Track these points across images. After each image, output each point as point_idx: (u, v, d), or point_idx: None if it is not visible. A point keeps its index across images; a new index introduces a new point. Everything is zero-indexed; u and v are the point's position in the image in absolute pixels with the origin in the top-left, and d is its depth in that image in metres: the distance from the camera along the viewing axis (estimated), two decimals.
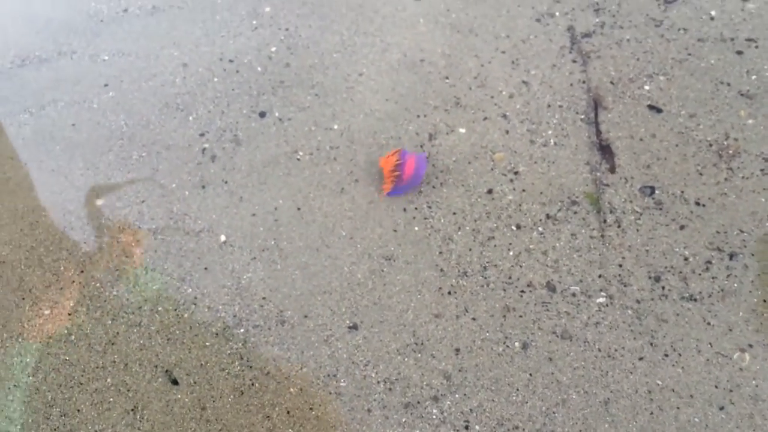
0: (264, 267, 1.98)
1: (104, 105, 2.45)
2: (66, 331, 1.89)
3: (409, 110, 2.34)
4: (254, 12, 2.74)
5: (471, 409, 1.69)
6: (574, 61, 2.44)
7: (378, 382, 1.75)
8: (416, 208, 2.08)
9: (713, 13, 2.50)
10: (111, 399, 1.77)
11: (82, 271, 1.99)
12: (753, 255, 1.91)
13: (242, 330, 1.86)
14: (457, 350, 1.79)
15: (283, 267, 1.98)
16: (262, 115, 2.38)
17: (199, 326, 1.87)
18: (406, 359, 1.79)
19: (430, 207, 2.08)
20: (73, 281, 1.98)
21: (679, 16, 2.52)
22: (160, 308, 1.91)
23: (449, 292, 1.90)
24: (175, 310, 1.91)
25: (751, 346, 1.75)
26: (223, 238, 2.06)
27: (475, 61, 2.48)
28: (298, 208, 2.11)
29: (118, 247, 2.04)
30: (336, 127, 2.32)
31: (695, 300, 1.84)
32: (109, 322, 1.89)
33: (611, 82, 2.35)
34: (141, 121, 2.39)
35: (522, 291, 1.89)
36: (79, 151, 2.31)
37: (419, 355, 1.79)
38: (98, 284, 1.97)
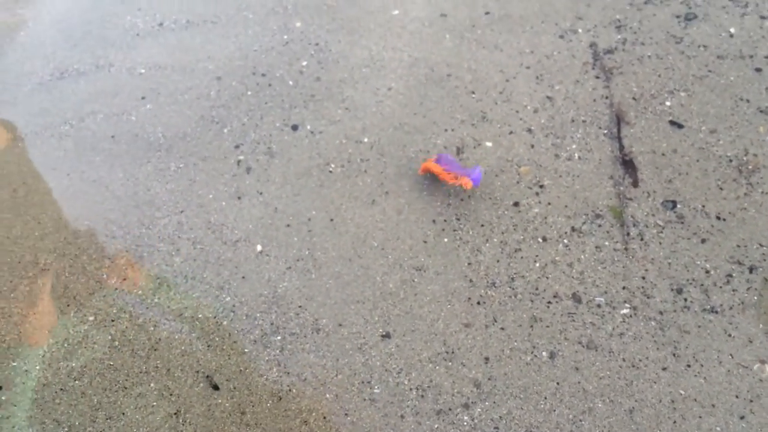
0: (299, 276, 2.05)
1: (142, 117, 2.53)
2: (110, 337, 1.96)
3: (437, 124, 2.41)
4: (285, 27, 2.81)
5: (500, 417, 1.75)
6: (597, 77, 2.50)
7: (411, 389, 1.81)
8: (445, 220, 2.14)
9: (732, 30, 2.55)
10: (154, 403, 1.84)
11: (124, 279, 2.07)
12: None
13: (279, 337, 1.93)
14: (487, 359, 1.85)
15: (317, 276, 2.05)
16: (295, 128, 2.45)
17: (238, 333, 1.94)
18: (437, 367, 1.85)
19: (458, 219, 2.14)
20: (116, 289, 2.05)
21: (699, 33, 2.57)
22: (200, 315, 1.98)
23: (478, 303, 1.96)
24: (215, 317, 1.98)
25: None
26: (259, 248, 2.13)
27: (501, 76, 2.54)
28: (331, 219, 2.18)
29: (158, 256, 2.12)
30: (366, 140, 2.39)
31: (716, 312, 1.89)
32: (152, 328, 1.97)
33: (633, 98, 2.41)
34: (178, 133, 2.46)
35: (549, 302, 1.95)
36: (119, 162, 2.39)
37: (450, 363, 1.85)
38: (140, 292, 2.04)
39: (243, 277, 2.06)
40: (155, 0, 3.06)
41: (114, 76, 2.69)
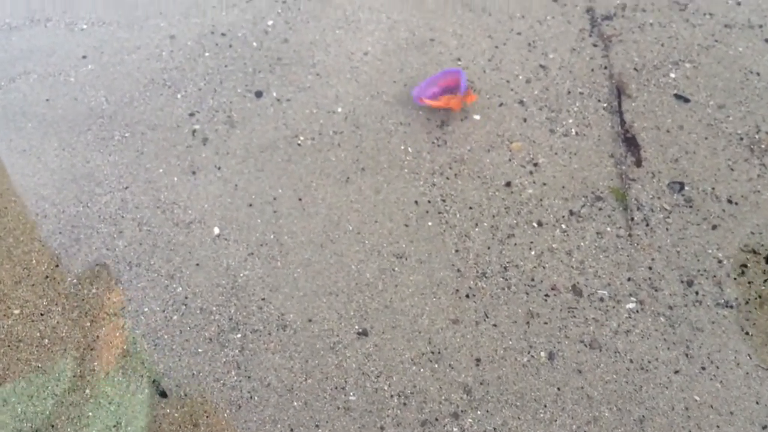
0: (263, 264, 1.76)
1: (82, 79, 2.18)
2: (38, 334, 1.66)
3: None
4: None
5: (495, 428, 1.51)
6: (595, 45, 2.25)
7: (391, 396, 1.56)
8: (429, 201, 1.88)
9: None
10: (90, 413, 1.55)
11: (56, 266, 1.76)
12: None
13: (239, 335, 1.65)
14: (478, 360, 1.61)
15: (283, 264, 1.76)
16: (259, 94, 2.15)
17: (191, 330, 1.65)
18: (421, 370, 1.59)
19: (444, 200, 1.88)
20: (47, 277, 1.74)
21: (704, 0, 2.33)
22: (146, 309, 1.68)
23: (467, 295, 1.71)
24: (163, 311, 1.68)
25: None
26: (216, 230, 1.83)
27: (489, 42, 2.27)
28: (300, 199, 1.89)
29: (98, 239, 1.80)
30: (340, 110, 2.10)
31: (731, 307, 1.68)
32: (88, 324, 1.66)
33: (635, 69, 2.17)
34: (123, 98, 2.13)
35: (546, 295, 1.71)
36: (54, 130, 2.05)
37: (436, 365, 1.60)
38: (75, 281, 1.73)
39: (197, 265, 1.76)
40: None
41: (51, 32, 2.33)
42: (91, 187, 1.92)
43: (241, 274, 1.75)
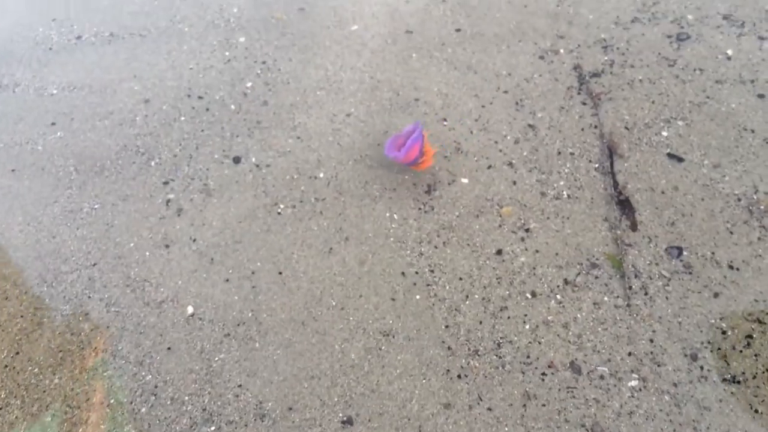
0: (239, 346, 1.70)
1: (50, 147, 2.16)
2: None
3: None
4: (227, 42, 2.49)
5: None
6: (584, 104, 2.26)
7: None
8: (417, 273, 1.84)
9: (729, 52, 2.36)
10: None
11: (17, 353, 1.68)
12: None
13: (213, 428, 1.58)
14: None
15: (262, 345, 1.70)
16: (237, 160, 2.12)
17: (161, 423, 1.58)
18: None
19: (432, 271, 1.84)
20: (6, 366, 1.66)
21: (694, 55, 2.36)
22: (112, 401, 1.61)
23: (459, 376, 1.65)
24: (131, 403, 1.61)
25: None
26: (190, 309, 1.78)
27: (475, 102, 2.28)
28: (280, 273, 1.85)
29: (62, 322, 1.74)
30: (322, 175, 2.08)
31: (738, 382, 1.63)
32: (48, 419, 1.58)
33: (626, 127, 2.17)
34: (94, 167, 2.10)
35: (543, 373, 1.65)
36: (19, 203, 2.01)
37: None
38: (36, 370, 1.66)
39: (169, 349, 1.70)
40: (73, 9, 2.70)
41: (19, 98, 2.31)
42: (57, 265, 1.86)
43: (216, 358, 1.68)
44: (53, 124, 2.23)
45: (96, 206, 2.00)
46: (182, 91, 2.33)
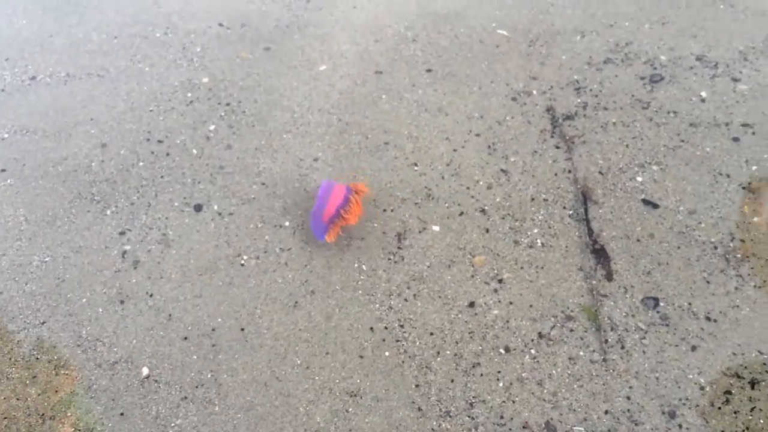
0: (198, 410, 1.68)
1: (0, 195, 2.12)
2: None
3: (374, 203, 2.13)
4: (189, 83, 2.50)
5: None
6: (557, 147, 2.30)
7: None
8: (386, 328, 1.84)
9: (703, 94, 2.43)
10: None
11: None
12: None
13: None
14: None
15: (222, 409, 1.68)
16: (198, 208, 2.12)
17: None
18: None
19: (402, 326, 1.84)
20: None
21: (667, 98, 2.43)
22: None
23: None
24: None
25: None
26: (145, 371, 1.75)
27: (447, 146, 2.31)
28: (242, 329, 1.83)
29: (7, 387, 1.69)
30: (287, 224, 2.08)
31: None
32: None
33: (600, 172, 2.21)
34: (45, 216, 2.08)
35: None
36: None
37: None
38: None
39: (122, 414, 1.67)
40: (28, 49, 2.69)
41: None
42: (3, 324, 1.82)
43: (173, 424, 1.65)
44: (3, 170, 2.20)
45: (47, 259, 1.97)
46: (141, 134, 2.33)
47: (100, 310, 1.87)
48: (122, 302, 1.89)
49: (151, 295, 1.90)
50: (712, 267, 1.97)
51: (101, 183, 2.18)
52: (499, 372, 1.77)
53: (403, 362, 1.78)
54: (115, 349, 1.79)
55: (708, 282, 1.94)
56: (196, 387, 1.72)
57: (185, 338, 1.81)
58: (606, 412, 1.69)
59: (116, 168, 2.22)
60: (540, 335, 1.84)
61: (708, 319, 1.86)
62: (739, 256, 2.00)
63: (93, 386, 1.71)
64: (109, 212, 2.10)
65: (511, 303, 1.90)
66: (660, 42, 2.68)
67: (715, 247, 2.01)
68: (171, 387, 1.72)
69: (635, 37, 2.72)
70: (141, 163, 2.24)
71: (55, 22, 2.88)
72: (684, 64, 2.57)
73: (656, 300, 1.91)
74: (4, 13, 2.92)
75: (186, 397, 1.70)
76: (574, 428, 1.67)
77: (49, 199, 2.13)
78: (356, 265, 1.99)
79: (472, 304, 1.90)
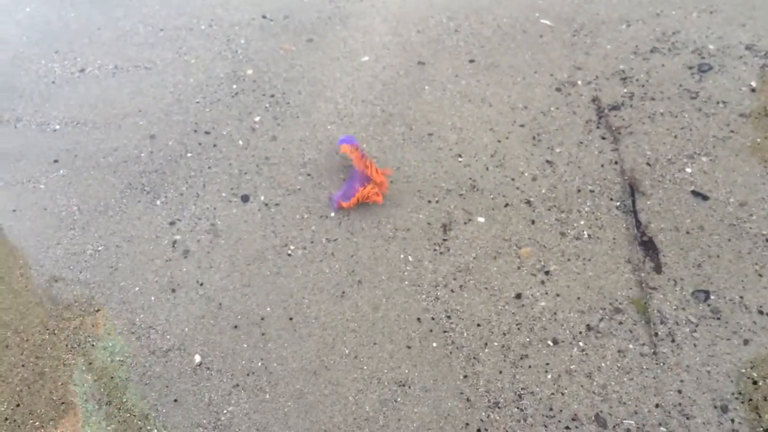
0: (249, 397, 1.70)
1: (53, 186, 2.17)
2: None
3: (418, 194, 2.12)
4: (234, 75, 2.52)
5: None
6: (603, 138, 2.26)
7: None
8: (433, 318, 1.83)
9: (753, 83, 2.37)
10: None
11: (18, 405, 1.68)
12: None
13: None
14: None
15: (272, 397, 1.70)
16: (245, 199, 2.13)
17: None
18: None
19: (449, 317, 1.84)
20: (6, 419, 1.66)
21: (716, 87, 2.37)
22: None
23: (479, 430, 1.64)
24: None
25: None
26: (198, 358, 1.77)
27: (491, 136, 2.29)
28: (290, 318, 1.85)
29: (64, 373, 1.73)
30: (333, 214, 2.09)
31: None
32: None
33: (647, 163, 2.17)
34: (98, 206, 2.11)
35: (566, 427, 1.64)
36: (20, 245, 2.02)
37: None
38: (38, 423, 1.65)
39: (175, 401, 1.69)
40: (77, 42, 2.73)
41: (21, 134, 2.33)
42: (59, 311, 1.86)
43: (225, 411, 1.67)
44: (56, 161, 2.25)
45: (100, 248, 2.01)
46: (189, 125, 2.35)
47: (153, 298, 1.90)
48: (173, 291, 1.91)
49: (201, 284, 1.93)
50: (764, 260, 1.92)
51: (151, 173, 2.21)
52: (547, 364, 1.75)
53: (450, 353, 1.78)
54: (168, 337, 1.82)
55: (760, 275, 1.89)
56: (247, 375, 1.74)
57: (235, 327, 1.83)
58: (657, 406, 1.67)
59: (165, 159, 2.25)
60: (588, 327, 1.82)
61: (760, 312, 1.82)
62: None
63: (147, 373, 1.74)
64: (159, 202, 2.13)
65: (558, 295, 1.89)
66: (708, 31, 2.62)
67: (767, 240, 1.97)
68: (223, 374, 1.74)
69: (682, 26, 2.65)
70: (189, 154, 2.27)
71: (102, 15, 2.92)
72: (733, 53, 2.50)
73: (707, 293, 1.88)
74: (53, 6, 2.97)
75: (237, 385, 1.72)
76: (624, 421, 1.65)
77: (100, 189, 2.17)
78: (402, 255, 1.99)
79: (519, 296, 1.89)
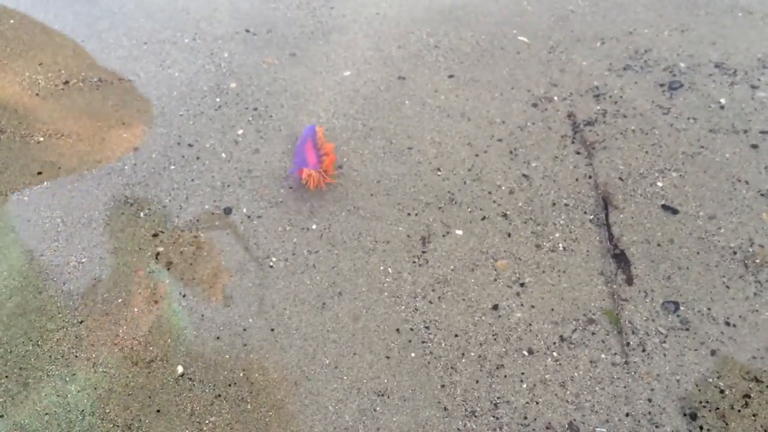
0: (231, 407, 1.72)
1: (37, 198, 2.18)
2: None
3: (398, 207, 2.16)
4: (218, 88, 2.54)
5: None
6: (578, 153, 2.32)
7: None
8: (412, 329, 1.87)
9: (722, 101, 2.44)
10: None
11: (1, 416, 1.68)
12: None
13: None
14: None
15: (254, 407, 1.72)
16: (228, 211, 2.16)
17: None
18: None
19: (428, 327, 1.87)
20: None
21: (687, 104, 2.45)
22: None
23: None
24: None
25: None
26: (180, 369, 1.79)
27: (469, 150, 2.34)
28: (272, 329, 1.87)
29: (47, 384, 1.75)
30: (314, 226, 2.12)
31: None
32: None
33: (620, 178, 2.24)
34: (81, 218, 2.13)
35: None
36: (3, 256, 2.02)
37: None
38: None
39: (158, 411, 1.71)
40: (61, 54, 2.74)
41: (4, 146, 2.34)
42: (42, 322, 1.87)
43: (207, 421, 1.69)
44: (40, 173, 2.26)
45: (83, 260, 2.02)
46: (172, 138, 2.38)
47: (135, 309, 1.91)
48: (156, 302, 1.93)
49: (183, 296, 1.95)
50: (731, 272, 1.99)
51: (134, 186, 2.23)
52: (522, 373, 1.80)
53: (428, 363, 1.81)
54: (151, 348, 1.83)
55: (727, 287, 1.96)
56: (229, 385, 1.77)
57: (217, 338, 1.86)
58: (627, 414, 1.71)
59: (148, 171, 2.27)
60: (561, 338, 1.87)
61: (727, 323, 1.88)
62: (758, 261, 2.01)
63: (130, 383, 1.76)
64: (142, 215, 2.15)
65: (533, 306, 1.93)
66: (679, 49, 2.70)
67: (734, 253, 2.03)
68: (205, 385, 1.76)
69: (654, 44, 2.73)
70: (172, 167, 2.29)
71: (87, 28, 2.93)
72: (703, 71, 2.58)
73: (676, 304, 1.94)
74: (36, 18, 2.98)
75: (219, 395, 1.75)
76: (597, 429, 1.70)
77: (84, 201, 2.18)
78: (382, 267, 2.03)
79: (495, 307, 1.93)
